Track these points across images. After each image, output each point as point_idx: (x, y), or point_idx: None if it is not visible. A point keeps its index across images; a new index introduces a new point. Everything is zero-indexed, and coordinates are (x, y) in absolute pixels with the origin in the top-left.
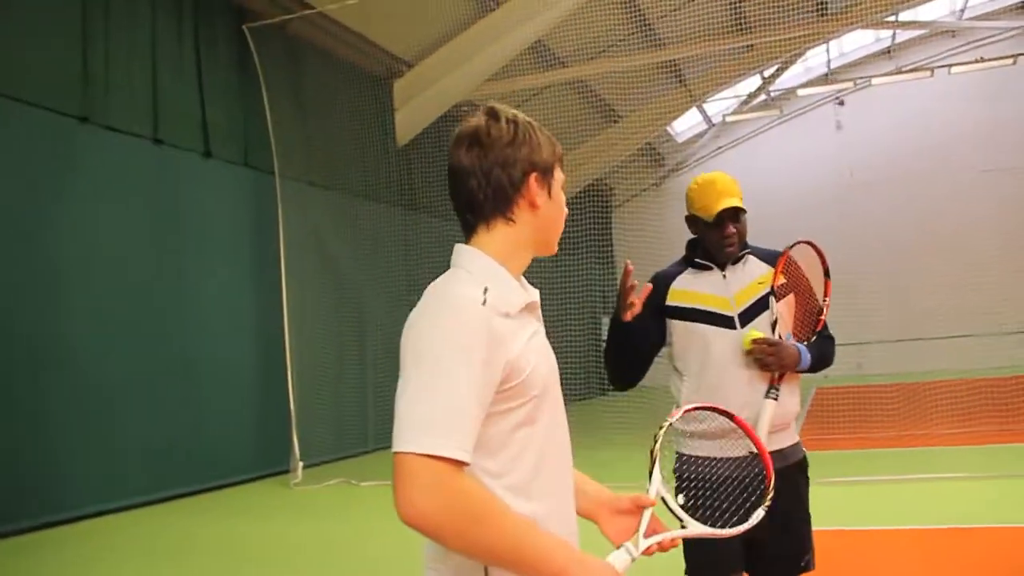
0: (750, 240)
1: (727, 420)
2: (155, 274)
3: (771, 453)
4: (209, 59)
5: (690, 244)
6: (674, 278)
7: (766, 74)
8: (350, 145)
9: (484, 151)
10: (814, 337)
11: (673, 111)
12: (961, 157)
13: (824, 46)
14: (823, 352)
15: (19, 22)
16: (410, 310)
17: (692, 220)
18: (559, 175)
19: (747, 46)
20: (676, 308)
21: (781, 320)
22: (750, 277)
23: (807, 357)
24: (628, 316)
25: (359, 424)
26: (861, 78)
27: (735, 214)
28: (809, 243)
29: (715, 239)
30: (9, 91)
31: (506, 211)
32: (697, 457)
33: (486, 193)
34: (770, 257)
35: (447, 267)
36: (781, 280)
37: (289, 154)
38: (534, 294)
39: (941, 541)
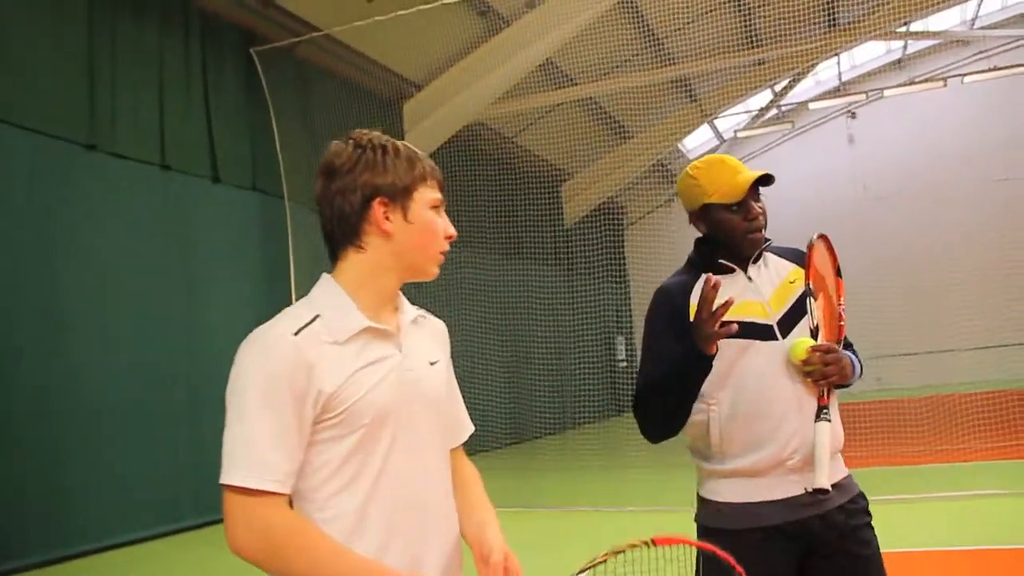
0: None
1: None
2: (163, 300)
3: (832, 487)
4: (217, 83)
5: (699, 244)
6: (690, 289)
7: (777, 88)
8: None
9: (329, 181)
10: (839, 344)
11: (684, 128)
12: (976, 167)
13: (835, 59)
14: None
15: (25, 49)
16: None
17: (702, 214)
18: (423, 195)
19: (758, 60)
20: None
21: (823, 325)
22: (779, 276)
23: (858, 366)
24: (713, 348)
25: None
26: (873, 90)
27: (760, 187)
28: (824, 237)
29: (739, 226)
30: (15, 119)
31: (353, 239)
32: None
33: (333, 223)
34: (790, 253)
35: (456, 290)
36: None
37: (298, 178)
38: (393, 321)
39: (974, 562)
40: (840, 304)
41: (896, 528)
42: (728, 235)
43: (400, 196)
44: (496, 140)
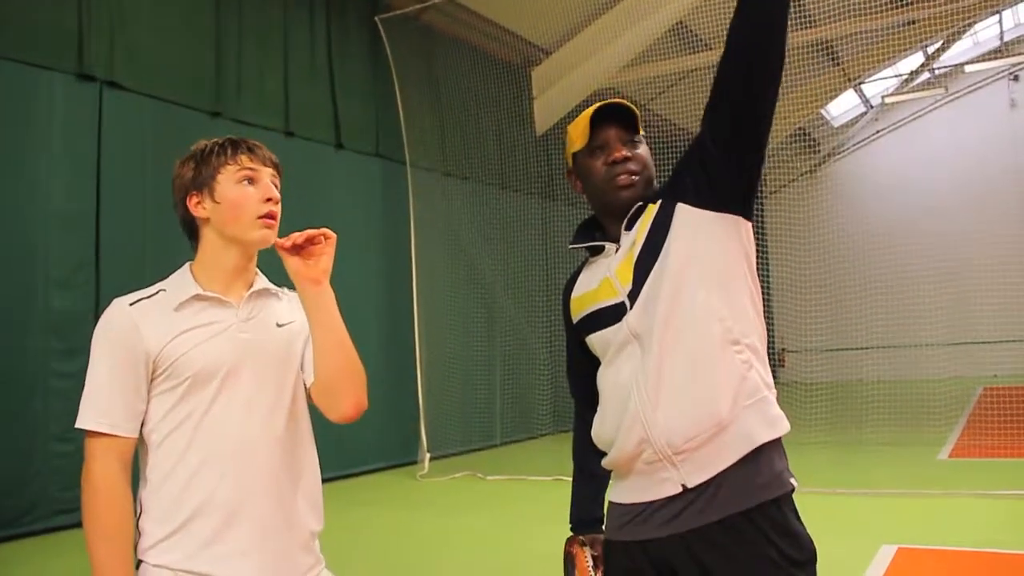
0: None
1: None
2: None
3: (713, 480)
4: (341, 51)
5: (581, 227)
6: (573, 283)
7: (930, 50)
8: (486, 134)
9: (172, 194)
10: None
11: (828, 93)
12: None
13: (996, 16)
14: None
15: (153, 19)
16: (545, 301)
17: (574, 168)
18: (228, 175)
19: (908, 20)
20: (581, 324)
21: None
22: (635, 234)
23: None
24: None
25: (487, 417)
26: None
27: (621, 120)
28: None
29: (598, 170)
30: (143, 87)
31: (194, 232)
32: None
33: (182, 227)
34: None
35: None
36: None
37: (421, 144)
38: (238, 292)
39: None
40: None
41: None
42: (594, 186)
43: (205, 184)
44: None
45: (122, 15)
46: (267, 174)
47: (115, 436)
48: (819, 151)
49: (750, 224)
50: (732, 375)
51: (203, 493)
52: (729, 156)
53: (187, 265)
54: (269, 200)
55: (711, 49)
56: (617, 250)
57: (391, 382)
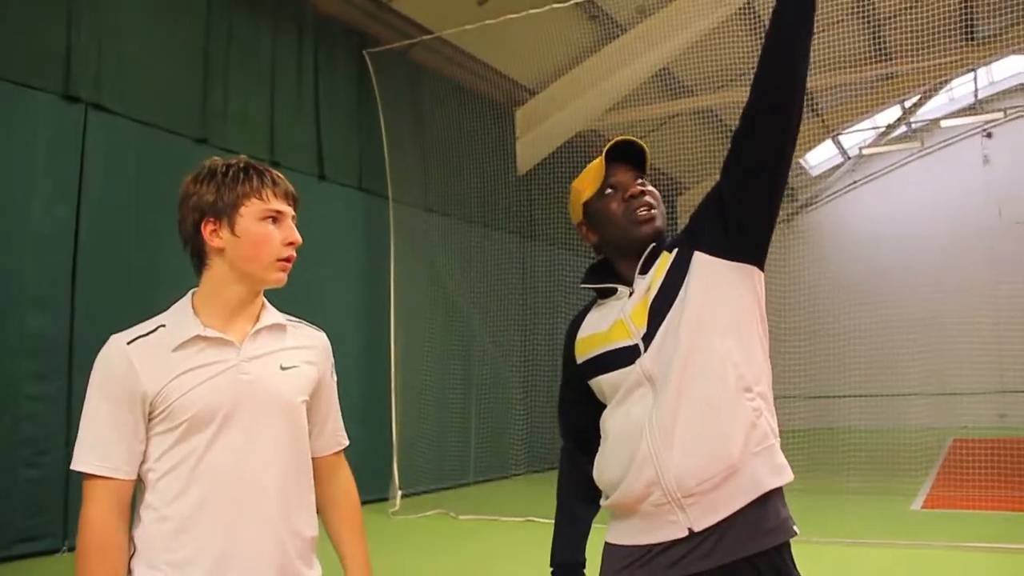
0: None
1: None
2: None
3: (720, 524)
4: (328, 82)
5: (591, 269)
6: (579, 324)
7: (907, 104)
8: (469, 172)
9: (177, 211)
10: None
11: (807, 143)
12: None
13: (971, 74)
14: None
15: (142, 44)
16: (522, 340)
17: (586, 218)
18: (252, 209)
19: (887, 74)
20: (587, 364)
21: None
22: (651, 278)
23: None
24: None
25: (461, 455)
26: (1012, 108)
27: (633, 158)
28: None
29: (617, 209)
30: (129, 111)
31: (202, 258)
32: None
33: (186, 247)
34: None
35: (561, 296)
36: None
37: (405, 179)
38: (241, 329)
39: None
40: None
41: None
42: (612, 226)
43: (225, 213)
44: None
45: (110, 37)
46: (289, 214)
47: (112, 479)
48: (796, 200)
49: (763, 274)
50: (744, 421)
51: (197, 539)
52: (746, 207)
53: (189, 296)
54: (291, 244)
55: (694, 95)
56: (631, 294)
57: (366, 417)
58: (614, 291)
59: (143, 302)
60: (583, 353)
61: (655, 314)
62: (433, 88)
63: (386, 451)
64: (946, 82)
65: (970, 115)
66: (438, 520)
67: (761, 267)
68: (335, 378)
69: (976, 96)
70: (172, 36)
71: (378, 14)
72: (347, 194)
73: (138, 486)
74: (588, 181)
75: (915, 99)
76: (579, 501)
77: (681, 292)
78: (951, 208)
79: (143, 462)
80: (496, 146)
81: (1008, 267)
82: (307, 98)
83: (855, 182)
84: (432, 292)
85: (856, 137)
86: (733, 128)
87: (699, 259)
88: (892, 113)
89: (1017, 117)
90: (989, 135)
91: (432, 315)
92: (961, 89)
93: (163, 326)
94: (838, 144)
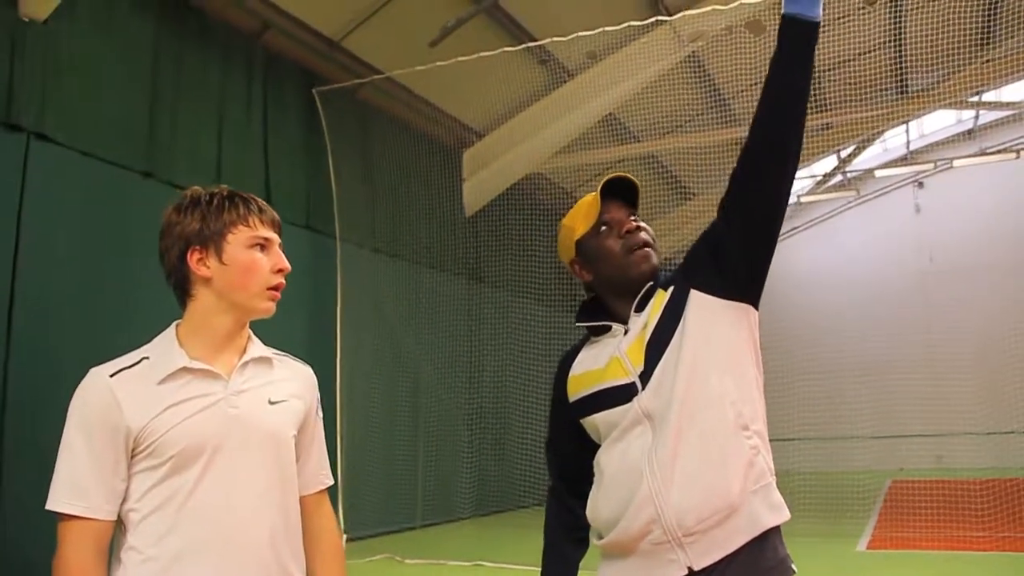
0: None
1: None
2: None
3: (719, 563)
4: (276, 120)
5: (584, 306)
6: (571, 361)
7: (843, 154)
8: (417, 213)
9: (160, 241)
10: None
11: None
12: None
13: (904, 126)
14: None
15: (89, 75)
16: (468, 381)
17: (578, 256)
18: (239, 237)
19: (824, 125)
20: (580, 403)
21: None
22: (647, 316)
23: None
24: None
25: (408, 498)
26: (942, 159)
27: (625, 195)
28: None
29: (613, 246)
30: (73, 142)
31: (187, 289)
32: None
33: (169, 278)
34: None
35: (510, 338)
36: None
37: (352, 219)
38: (229, 361)
39: None
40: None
41: None
42: (609, 265)
43: (211, 241)
44: (556, 193)
45: (56, 66)
46: (276, 241)
47: (92, 520)
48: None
49: (757, 313)
50: (742, 460)
51: None
52: (742, 247)
53: (173, 327)
54: (280, 271)
55: (639, 141)
56: (626, 332)
57: None
58: (608, 328)
59: (84, 337)
60: (576, 391)
61: (652, 352)
62: (382, 128)
63: (331, 494)
64: (880, 133)
65: (903, 165)
66: (384, 565)
67: (756, 306)
68: (320, 414)
69: (908, 147)
70: (119, 67)
71: (328, 53)
72: (295, 233)
73: (117, 528)
74: (580, 218)
75: (851, 149)
76: (568, 542)
77: (678, 330)
78: (885, 255)
79: (124, 501)
80: (444, 187)
81: (940, 312)
82: (255, 135)
83: (794, 228)
84: (379, 334)
85: (795, 185)
86: (676, 175)
87: (695, 297)
88: (829, 162)
89: (947, 168)
90: (921, 185)
91: (379, 357)
92: (894, 140)
93: (146, 358)
94: None
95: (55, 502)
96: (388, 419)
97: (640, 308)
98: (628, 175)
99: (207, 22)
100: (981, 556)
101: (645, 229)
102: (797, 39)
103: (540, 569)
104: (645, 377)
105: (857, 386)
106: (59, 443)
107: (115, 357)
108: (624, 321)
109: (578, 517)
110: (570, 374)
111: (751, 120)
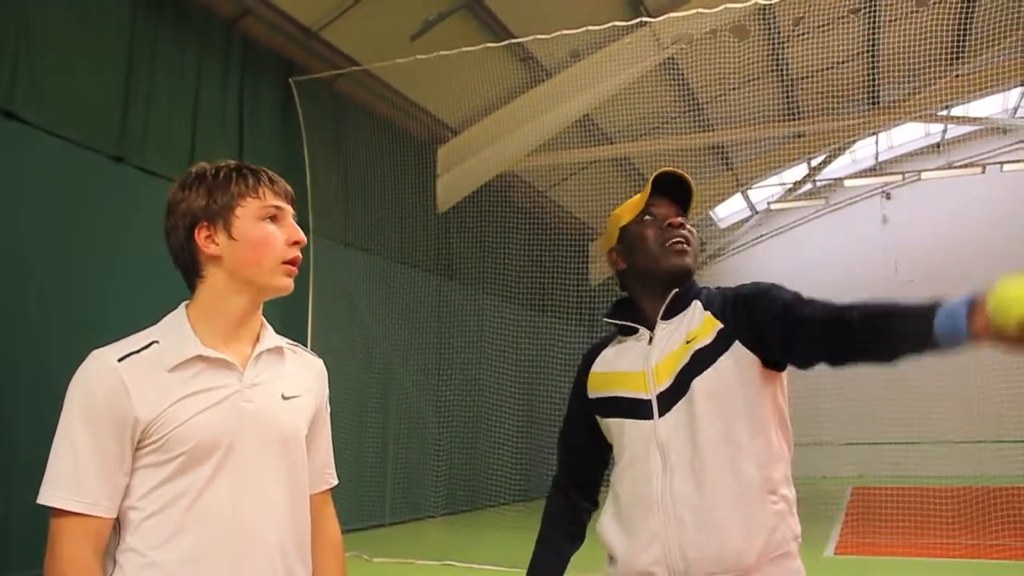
0: None
1: None
2: None
3: None
4: (252, 109)
5: (616, 304)
6: (596, 355)
7: (813, 163)
8: (390, 208)
9: (165, 220)
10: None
11: (717, 196)
12: (1011, 256)
13: (873, 138)
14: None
15: (64, 58)
16: (438, 378)
17: (620, 243)
18: (249, 209)
19: (796, 133)
20: (597, 402)
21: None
22: (681, 336)
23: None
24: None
25: (376, 495)
26: (910, 171)
27: (678, 189)
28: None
29: (653, 235)
30: (45, 124)
31: (197, 269)
32: None
33: (176, 259)
34: (717, 298)
35: (480, 336)
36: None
37: (326, 212)
38: (243, 350)
39: None
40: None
41: None
42: (643, 252)
43: (220, 216)
44: (528, 192)
45: (29, 44)
46: (290, 213)
47: (91, 517)
48: (704, 250)
49: (784, 376)
50: (765, 525)
51: None
52: (784, 351)
53: (183, 309)
54: (296, 243)
55: (612, 143)
56: (651, 340)
57: None
58: (635, 330)
59: (53, 321)
60: (596, 389)
61: (681, 379)
62: (357, 121)
63: None
64: (850, 143)
65: (871, 176)
66: (352, 563)
67: (783, 370)
68: (329, 410)
69: (877, 159)
70: (94, 49)
71: (306, 42)
72: None
73: (113, 526)
74: (629, 208)
75: (821, 158)
76: (564, 535)
77: (713, 366)
78: (851, 264)
79: (124, 498)
80: (417, 183)
81: None
82: (231, 122)
83: (761, 236)
84: (350, 329)
85: (764, 192)
86: (648, 178)
87: (738, 347)
88: (799, 171)
89: (915, 180)
90: (888, 196)
91: (350, 352)
92: (864, 151)
93: (156, 342)
94: (746, 198)
95: (51, 496)
96: (358, 415)
97: (667, 315)
98: (683, 172)
99: (185, 6)
100: (950, 563)
101: (688, 229)
102: (919, 348)
103: (531, 557)
104: (663, 398)
105: (818, 393)
106: (17, 429)
107: (83, 341)
108: (650, 325)
109: (576, 510)
110: (592, 369)
111: (816, 320)
